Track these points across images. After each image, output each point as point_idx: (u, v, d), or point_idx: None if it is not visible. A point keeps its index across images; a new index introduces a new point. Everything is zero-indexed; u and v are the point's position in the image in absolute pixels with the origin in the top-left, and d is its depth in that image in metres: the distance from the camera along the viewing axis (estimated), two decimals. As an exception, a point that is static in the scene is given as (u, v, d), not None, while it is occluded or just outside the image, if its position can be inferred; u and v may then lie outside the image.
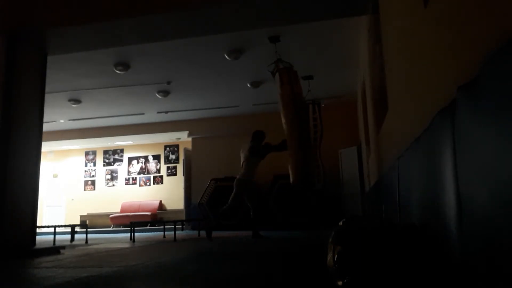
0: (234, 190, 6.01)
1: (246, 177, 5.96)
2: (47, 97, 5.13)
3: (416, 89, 1.87)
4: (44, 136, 4.77)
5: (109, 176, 13.19)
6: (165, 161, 12.91)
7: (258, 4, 4.05)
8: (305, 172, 5.10)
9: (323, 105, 7.15)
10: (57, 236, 6.49)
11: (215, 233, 7.30)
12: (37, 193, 4.49)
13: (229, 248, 4.49)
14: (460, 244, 1.12)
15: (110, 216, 11.79)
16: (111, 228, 11.40)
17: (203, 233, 7.00)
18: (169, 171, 12.83)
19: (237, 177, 6.07)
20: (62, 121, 9.91)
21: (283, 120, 5.21)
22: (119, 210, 12.31)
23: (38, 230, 4.85)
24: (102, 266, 2.96)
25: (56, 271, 2.79)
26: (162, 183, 12.80)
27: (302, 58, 6.33)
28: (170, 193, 12.44)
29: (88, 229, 7.00)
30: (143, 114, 9.65)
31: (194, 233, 8.05)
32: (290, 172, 5.19)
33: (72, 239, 6.90)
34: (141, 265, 2.98)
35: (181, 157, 11.94)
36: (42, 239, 6.59)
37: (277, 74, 5.27)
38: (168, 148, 12.91)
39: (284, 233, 6.76)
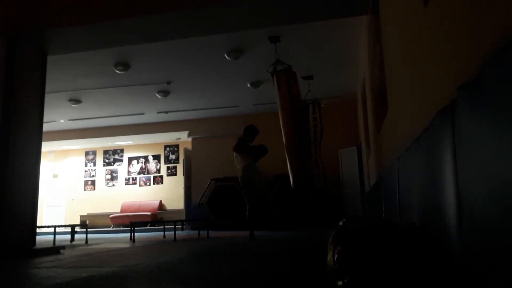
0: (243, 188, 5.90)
1: (243, 171, 5.73)
2: (47, 97, 5.13)
3: (416, 89, 1.87)
4: (44, 136, 4.77)
5: (109, 176, 13.19)
6: (165, 161, 12.92)
7: (258, 4, 4.05)
8: (304, 174, 5.08)
9: (323, 105, 7.16)
10: (57, 236, 6.49)
11: (214, 233, 7.31)
12: (37, 193, 4.49)
13: (229, 248, 4.48)
14: (460, 244, 1.12)
15: (110, 216, 11.79)
16: (111, 228, 11.40)
17: (203, 233, 7.01)
18: (169, 171, 12.83)
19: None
20: (62, 121, 9.91)
21: (281, 122, 5.21)
22: (119, 210, 12.31)
23: (38, 230, 4.85)
24: (102, 266, 2.96)
25: (56, 271, 2.79)
26: (162, 183, 12.80)
27: (302, 58, 6.33)
28: (170, 193, 12.44)
29: (88, 229, 7.00)
30: (143, 114, 9.65)
31: (194, 233, 8.05)
32: (290, 174, 5.17)
33: (72, 239, 6.90)
34: (141, 265, 2.98)
35: (181, 157, 11.94)
36: (42, 239, 6.59)
37: (275, 76, 5.29)
38: (168, 148, 12.91)
39: (284, 233, 6.76)
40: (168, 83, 7.41)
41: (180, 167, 12.31)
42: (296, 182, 5.12)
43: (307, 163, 5.17)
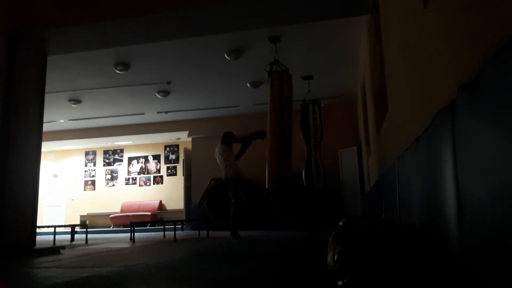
0: (228, 189, 6.10)
1: (231, 172, 6.06)
2: (47, 97, 5.13)
3: (416, 89, 1.87)
4: (44, 136, 4.77)
5: (109, 176, 13.19)
6: (165, 161, 12.92)
7: (258, 4, 4.05)
8: (279, 177, 5.12)
9: (323, 105, 7.16)
10: (57, 236, 6.49)
11: (213, 233, 7.30)
12: (37, 193, 4.49)
13: (229, 248, 4.48)
14: (460, 244, 1.12)
15: (110, 216, 11.79)
16: (111, 228, 11.40)
17: (203, 233, 7.00)
18: (169, 171, 12.83)
19: (223, 175, 6.16)
20: (62, 121, 9.91)
21: (268, 121, 5.24)
22: (119, 210, 12.31)
23: (38, 230, 4.85)
24: (102, 266, 2.96)
25: (56, 271, 2.79)
26: (162, 183, 12.81)
27: (302, 58, 6.33)
28: (170, 193, 12.44)
29: (88, 229, 6.99)
30: (143, 114, 9.65)
31: (194, 233, 8.05)
32: (266, 174, 5.21)
33: (72, 239, 6.90)
34: (141, 265, 2.98)
35: (181, 157, 11.94)
36: (42, 239, 6.59)
37: (270, 75, 5.31)
38: (168, 148, 12.91)
39: (284, 233, 6.76)
40: (168, 83, 7.41)
41: (180, 167, 12.31)
42: (270, 183, 5.17)
43: (285, 166, 5.18)
